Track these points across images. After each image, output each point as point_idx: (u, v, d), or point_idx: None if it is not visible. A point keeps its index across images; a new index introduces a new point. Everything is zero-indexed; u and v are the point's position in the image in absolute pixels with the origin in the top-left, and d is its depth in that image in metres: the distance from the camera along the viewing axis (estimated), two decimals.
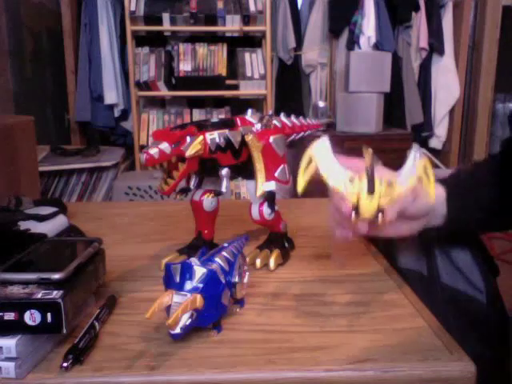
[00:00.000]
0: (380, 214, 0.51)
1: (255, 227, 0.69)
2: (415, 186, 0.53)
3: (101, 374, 0.41)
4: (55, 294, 0.42)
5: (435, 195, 0.57)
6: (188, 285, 0.45)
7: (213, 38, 2.83)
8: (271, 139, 0.65)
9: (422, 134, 3.33)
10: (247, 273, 0.54)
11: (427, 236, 0.63)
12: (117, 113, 2.97)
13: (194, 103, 2.92)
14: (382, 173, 0.53)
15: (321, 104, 2.99)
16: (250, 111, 0.67)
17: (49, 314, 0.41)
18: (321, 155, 0.53)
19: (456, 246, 0.67)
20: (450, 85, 3.27)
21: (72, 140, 3.07)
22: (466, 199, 0.62)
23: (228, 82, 2.74)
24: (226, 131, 0.60)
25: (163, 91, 2.74)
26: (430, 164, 0.53)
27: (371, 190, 0.50)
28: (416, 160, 0.53)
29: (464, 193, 0.63)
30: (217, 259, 0.49)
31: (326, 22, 3.12)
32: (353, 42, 3.07)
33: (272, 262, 0.64)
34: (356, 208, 0.51)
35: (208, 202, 0.63)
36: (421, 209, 0.57)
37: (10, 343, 0.40)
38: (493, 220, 0.65)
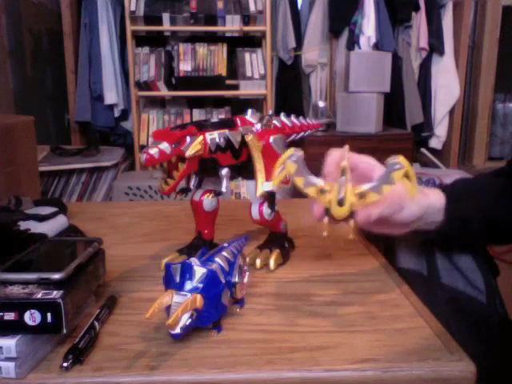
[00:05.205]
0: (352, 220, 0.51)
1: (255, 227, 0.69)
2: (400, 195, 0.53)
3: (101, 374, 0.41)
4: (55, 294, 0.42)
5: (434, 200, 0.59)
6: (188, 285, 0.45)
7: (213, 38, 2.83)
8: (271, 139, 0.65)
9: (421, 133, 3.33)
10: (247, 273, 0.54)
11: (427, 236, 0.63)
12: (117, 113, 2.97)
13: (194, 103, 2.92)
14: (356, 181, 0.53)
15: (321, 104, 2.99)
16: (249, 111, 0.67)
17: (49, 314, 0.41)
18: (294, 163, 0.52)
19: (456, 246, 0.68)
20: (450, 85, 3.27)
21: (72, 140, 3.07)
22: (465, 201, 0.63)
23: (228, 82, 2.74)
24: (226, 131, 0.60)
25: (163, 91, 2.74)
26: (413, 172, 0.52)
27: (341, 203, 0.50)
28: (393, 171, 0.52)
29: (464, 196, 0.63)
30: (217, 259, 0.49)
31: (326, 21, 3.12)
32: (353, 42, 3.06)
33: (272, 262, 0.64)
34: (328, 212, 0.51)
35: (208, 201, 0.63)
36: (407, 218, 0.57)
37: (9, 343, 0.40)
38: (494, 229, 0.65)
